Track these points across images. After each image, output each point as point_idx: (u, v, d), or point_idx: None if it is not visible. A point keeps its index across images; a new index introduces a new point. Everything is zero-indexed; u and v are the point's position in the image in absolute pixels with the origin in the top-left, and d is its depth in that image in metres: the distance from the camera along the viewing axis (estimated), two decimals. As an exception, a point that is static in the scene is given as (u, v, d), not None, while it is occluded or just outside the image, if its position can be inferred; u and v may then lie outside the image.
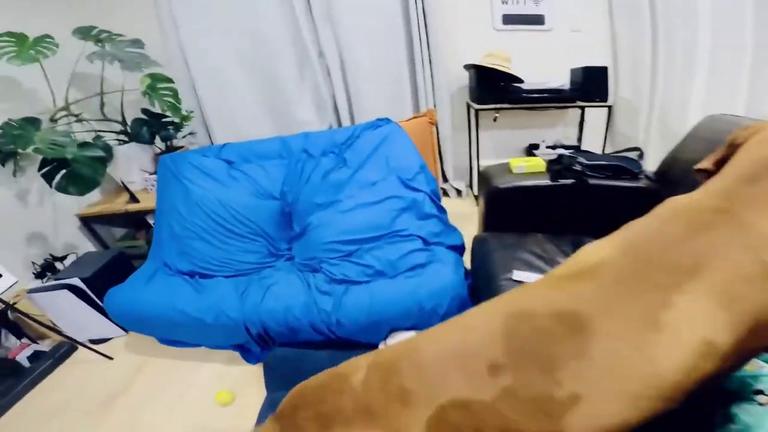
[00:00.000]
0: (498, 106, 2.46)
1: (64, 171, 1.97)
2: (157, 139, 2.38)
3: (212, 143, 2.58)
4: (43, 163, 1.98)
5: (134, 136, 2.20)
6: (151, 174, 2.23)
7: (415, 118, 2.10)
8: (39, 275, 2.12)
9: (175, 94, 2.14)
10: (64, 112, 2.17)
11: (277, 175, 1.88)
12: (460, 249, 1.68)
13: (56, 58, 2.04)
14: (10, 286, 1.70)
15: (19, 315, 1.96)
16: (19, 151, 1.98)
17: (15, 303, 1.90)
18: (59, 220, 2.36)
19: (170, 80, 2.14)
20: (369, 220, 1.63)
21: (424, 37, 2.42)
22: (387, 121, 1.91)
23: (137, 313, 1.67)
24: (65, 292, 1.89)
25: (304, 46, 2.31)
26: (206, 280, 1.72)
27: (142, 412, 1.66)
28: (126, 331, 2.04)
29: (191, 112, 2.39)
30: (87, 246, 2.51)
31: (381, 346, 1.42)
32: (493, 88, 2.42)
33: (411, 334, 1.39)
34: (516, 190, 1.55)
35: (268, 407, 1.22)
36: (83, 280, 1.90)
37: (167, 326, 1.66)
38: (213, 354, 1.79)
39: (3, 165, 2.02)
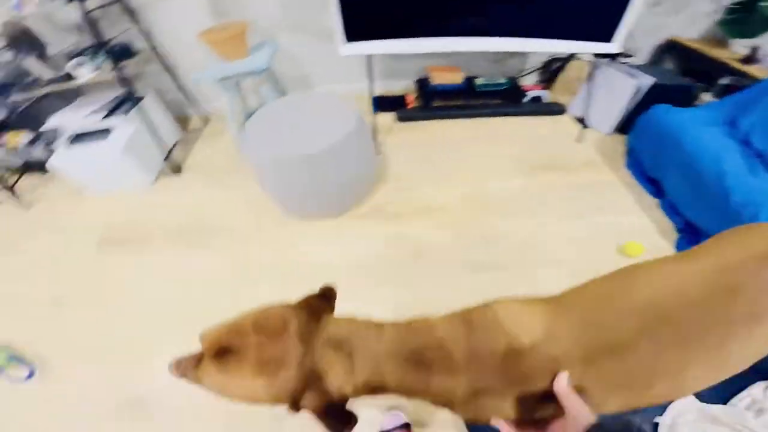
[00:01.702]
0: None
1: None
2: None
3: None
4: None
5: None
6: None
7: None
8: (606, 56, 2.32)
9: None
10: None
11: None
12: None
13: None
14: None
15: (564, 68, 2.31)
16: None
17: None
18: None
19: None
20: None
21: None
22: None
23: (672, 137, 1.69)
24: (630, 83, 2.06)
25: None
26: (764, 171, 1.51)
27: (543, 206, 1.85)
28: (610, 133, 2.24)
29: None
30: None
31: None
32: None
33: None
34: None
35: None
36: (653, 86, 2.02)
37: (691, 171, 1.62)
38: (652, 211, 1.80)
39: None
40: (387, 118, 2.44)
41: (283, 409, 0.48)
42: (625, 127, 2.17)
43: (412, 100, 2.45)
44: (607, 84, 2.20)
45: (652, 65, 2.58)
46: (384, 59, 2.61)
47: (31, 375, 1.48)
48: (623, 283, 0.56)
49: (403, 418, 1.10)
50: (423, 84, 2.51)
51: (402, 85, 2.73)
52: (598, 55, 2.09)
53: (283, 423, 1.22)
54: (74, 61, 1.92)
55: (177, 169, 2.29)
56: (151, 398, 1.34)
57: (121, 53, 2.10)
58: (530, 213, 1.81)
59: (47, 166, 2.14)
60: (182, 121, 2.73)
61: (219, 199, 2.07)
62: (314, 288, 0.62)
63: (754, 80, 1.94)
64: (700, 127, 1.67)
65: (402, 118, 2.37)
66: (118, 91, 2.23)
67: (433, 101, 2.43)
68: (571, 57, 2.37)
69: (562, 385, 0.48)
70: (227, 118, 2.17)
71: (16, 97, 2.02)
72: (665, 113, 1.82)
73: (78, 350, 1.52)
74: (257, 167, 1.66)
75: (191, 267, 1.74)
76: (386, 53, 1.95)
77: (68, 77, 1.95)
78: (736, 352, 0.50)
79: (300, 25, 2.40)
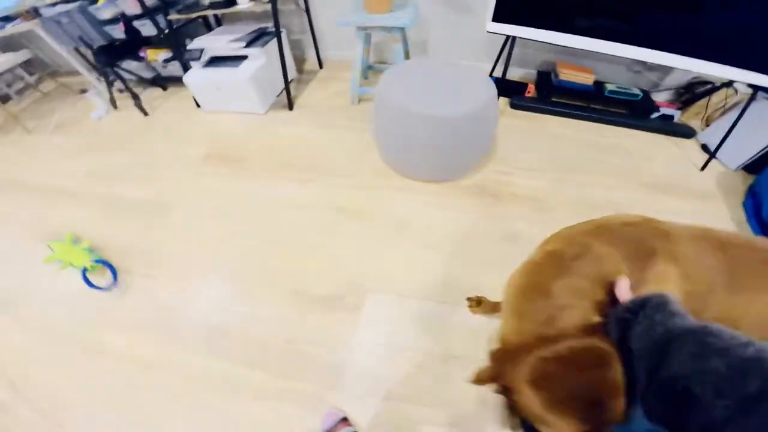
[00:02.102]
0: None
1: None
2: None
3: None
4: None
5: None
6: None
7: None
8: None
9: None
10: None
11: None
12: None
13: None
14: None
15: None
16: None
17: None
18: None
19: None
20: None
21: None
22: None
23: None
24: None
25: None
26: None
27: None
28: (736, 169, 2.04)
29: None
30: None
31: None
32: None
33: None
34: None
35: None
36: None
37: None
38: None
39: None
40: (501, 102, 2.39)
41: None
42: (754, 165, 1.99)
43: (532, 90, 2.37)
44: (755, 118, 1.99)
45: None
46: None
47: (114, 281, 1.52)
48: None
49: (339, 414, 1.15)
50: (546, 77, 2.41)
51: (521, 73, 2.64)
52: (757, 88, 1.90)
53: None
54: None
55: (289, 105, 2.40)
56: (219, 324, 1.40)
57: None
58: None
59: (183, 80, 2.32)
60: (299, 61, 2.84)
61: (324, 140, 2.16)
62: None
63: None
64: None
65: (516, 106, 2.31)
66: (255, 25, 2.37)
67: (552, 96, 2.33)
68: (725, 84, 2.16)
69: None
70: (353, 66, 2.23)
71: (173, 16, 2.18)
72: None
73: (157, 264, 1.60)
74: (381, 116, 1.70)
75: (284, 196, 1.86)
76: (527, 38, 1.90)
77: (229, 3, 2.08)
78: None
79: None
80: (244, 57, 2.30)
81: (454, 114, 1.52)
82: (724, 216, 1.83)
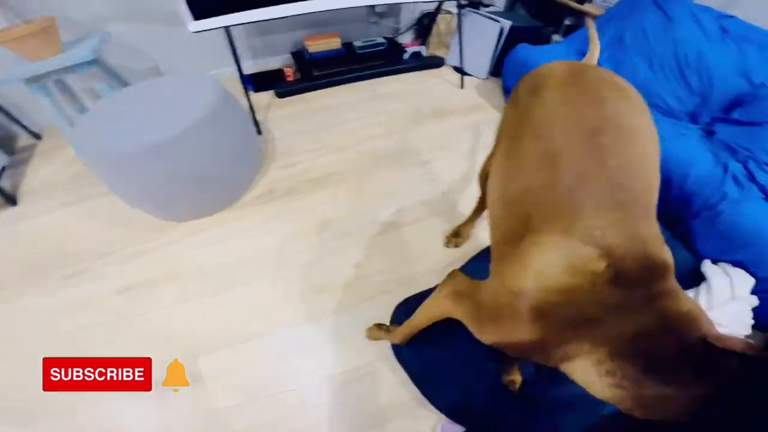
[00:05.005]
0: None
1: None
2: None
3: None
4: None
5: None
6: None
7: None
8: (469, 5, 2.43)
9: None
10: None
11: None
12: None
13: None
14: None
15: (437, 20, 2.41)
16: None
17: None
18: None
19: None
20: None
21: None
22: None
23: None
24: (495, 27, 2.19)
25: None
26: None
27: (441, 150, 1.87)
28: (486, 77, 2.34)
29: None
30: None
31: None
32: None
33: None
34: None
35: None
36: (512, 27, 2.16)
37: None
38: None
39: None
40: (267, 95, 2.23)
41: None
42: (496, 68, 2.31)
43: (290, 74, 2.26)
44: (475, 31, 2.29)
45: (507, 12, 2.76)
46: (253, 36, 2.36)
47: None
48: None
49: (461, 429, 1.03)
50: (300, 55, 2.33)
51: (279, 61, 2.51)
52: (461, 6, 2.17)
53: None
54: None
55: (11, 199, 1.79)
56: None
57: None
58: (425, 160, 1.81)
59: None
60: (6, 142, 2.16)
61: (73, 219, 1.67)
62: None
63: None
64: (556, 58, 1.84)
65: (281, 94, 2.18)
66: None
67: (314, 71, 2.27)
68: (438, 11, 2.41)
69: None
70: (57, 125, 1.75)
71: None
72: (527, 51, 1.98)
73: None
74: (99, 171, 1.36)
75: (49, 305, 1.36)
76: (240, 24, 1.75)
77: None
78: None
79: (140, 12, 2.05)
80: None
81: (165, 138, 1.28)
82: (498, 118, 2.06)
